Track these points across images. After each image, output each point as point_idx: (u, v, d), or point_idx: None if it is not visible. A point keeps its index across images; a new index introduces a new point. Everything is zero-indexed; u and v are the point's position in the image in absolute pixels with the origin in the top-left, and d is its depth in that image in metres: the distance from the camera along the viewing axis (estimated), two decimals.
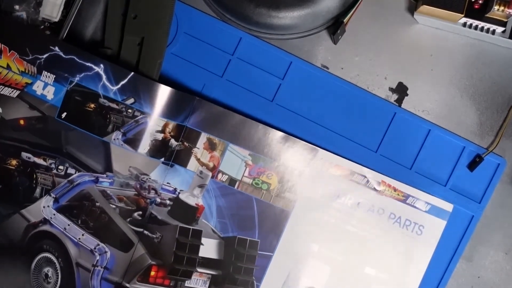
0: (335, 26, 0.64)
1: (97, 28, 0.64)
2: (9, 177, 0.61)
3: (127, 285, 0.59)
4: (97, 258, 0.60)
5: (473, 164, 0.62)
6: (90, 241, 0.60)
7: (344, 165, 0.62)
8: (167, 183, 0.61)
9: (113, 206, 0.61)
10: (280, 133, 0.61)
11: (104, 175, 0.61)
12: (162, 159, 0.61)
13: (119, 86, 0.60)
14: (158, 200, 0.61)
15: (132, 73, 0.60)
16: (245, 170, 0.61)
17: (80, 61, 0.60)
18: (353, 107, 0.63)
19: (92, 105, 0.61)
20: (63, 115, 0.61)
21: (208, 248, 0.61)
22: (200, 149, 0.61)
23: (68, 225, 0.61)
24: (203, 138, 0.61)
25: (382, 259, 0.62)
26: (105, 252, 0.60)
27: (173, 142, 0.61)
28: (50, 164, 0.61)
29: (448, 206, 0.62)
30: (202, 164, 0.61)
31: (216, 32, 0.64)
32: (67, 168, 0.61)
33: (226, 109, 0.61)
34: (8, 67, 0.61)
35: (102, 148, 0.61)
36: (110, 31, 0.63)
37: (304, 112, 0.63)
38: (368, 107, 0.63)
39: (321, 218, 0.62)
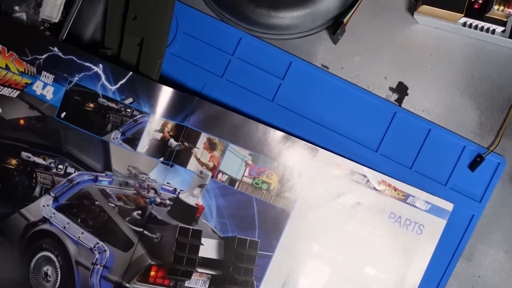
0: (335, 26, 0.64)
1: (97, 29, 0.65)
2: (9, 176, 0.62)
3: (127, 285, 0.59)
4: (97, 256, 0.60)
5: (474, 164, 0.62)
6: (89, 239, 0.60)
7: (344, 165, 0.62)
8: (167, 183, 0.61)
9: (112, 205, 0.61)
10: (280, 133, 0.61)
11: (103, 174, 0.61)
12: (161, 159, 0.61)
13: (118, 85, 0.60)
14: (158, 200, 0.61)
15: (131, 73, 0.60)
16: (245, 170, 0.61)
17: (79, 61, 0.61)
18: (353, 107, 0.63)
19: (91, 105, 0.61)
20: (63, 114, 0.61)
21: (208, 248, 0.61)
22: (200, 149, 0.61)
23: (68, 223, 0.61)
24: (203, 138, 0.61)
25: (382, 258, 0.62)
26: (105, 250, 0.60)
27: (172, 142, 0.61)
28: (50, 163, 0.61)
29: (448, 206, 0.62)
30: (202, 164, 0.61)
31: (216, 32, 0.64)
32: (66, 167, 0.61)
33: (226, 109, 0.61)
34: (7, 68, 0.61)
35: (101, 147, 0.61)
36: (110, 32, 0.63)
37: (304, 112, 0.63)
38: (368, 106, 0.63)
39: (321, 218, 0.62)
